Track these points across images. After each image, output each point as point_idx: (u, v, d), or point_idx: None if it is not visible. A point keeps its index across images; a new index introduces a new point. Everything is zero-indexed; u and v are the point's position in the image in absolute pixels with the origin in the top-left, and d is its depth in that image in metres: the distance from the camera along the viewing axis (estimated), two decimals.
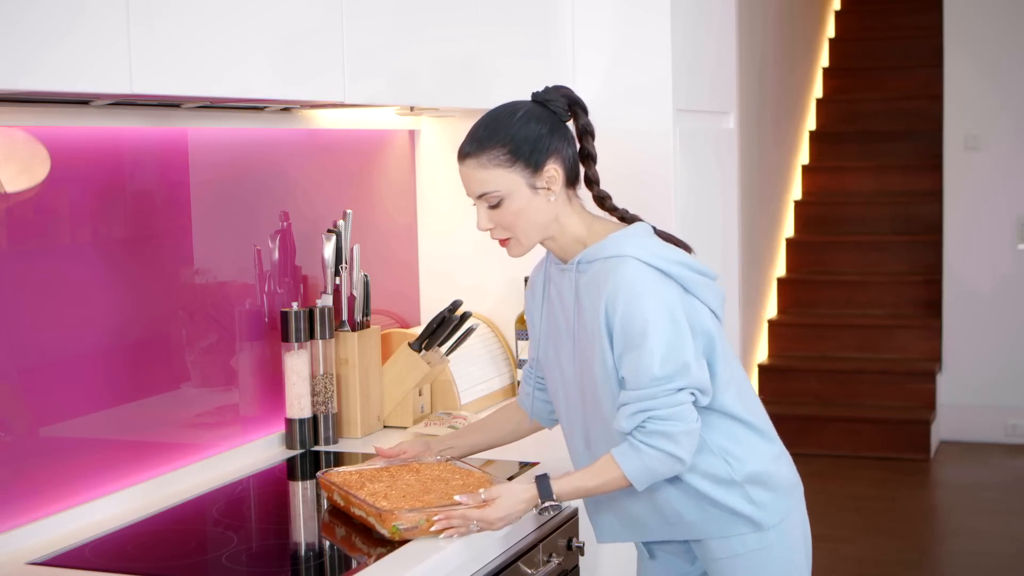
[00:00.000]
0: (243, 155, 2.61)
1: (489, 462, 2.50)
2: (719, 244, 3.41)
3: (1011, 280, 6.42)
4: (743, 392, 2.13)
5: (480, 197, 2.06)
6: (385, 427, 2.83)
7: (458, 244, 3.26)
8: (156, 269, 2.38)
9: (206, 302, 2.50)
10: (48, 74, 1.63)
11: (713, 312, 2.10)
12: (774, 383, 6.56)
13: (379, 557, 1.93)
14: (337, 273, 2.73)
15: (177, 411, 2.44)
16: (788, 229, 7.33)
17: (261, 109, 2.55)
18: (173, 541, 2.11)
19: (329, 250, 2.71)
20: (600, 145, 3.08)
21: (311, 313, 2.65)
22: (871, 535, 5.04)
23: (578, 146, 2.14)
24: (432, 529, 1.98)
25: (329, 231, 2.73)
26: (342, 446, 2.68)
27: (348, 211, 2.75)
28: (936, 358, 6.58)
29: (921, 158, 7.30)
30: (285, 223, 2.71)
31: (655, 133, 3.04)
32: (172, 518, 2.21)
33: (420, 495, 2.10)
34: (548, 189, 2.07)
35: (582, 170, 2.15)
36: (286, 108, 2.59)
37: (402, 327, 3.14)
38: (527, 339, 3.10)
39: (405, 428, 2.81)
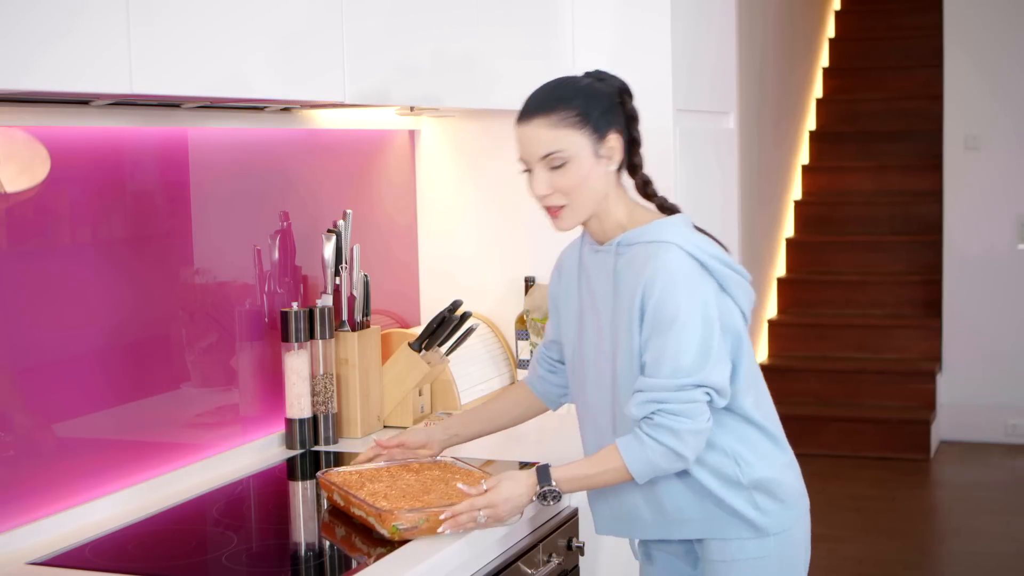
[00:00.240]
0: (243, 155, 2.61)
1: (489, 462, 2.50)
2: None
3: (1011, 280, 6.42)
4: (760, 397, 2.13)
5: (544, 158, 2.04)
6: (385, 427, 2.83)
7: (458, 244, 3.26)
8: (156, 269, 2.38)
9: (206, 302, 2.50)
10: (48, 74, 1.63)
11: (743, 313, 2.10)
12: (774, 383, 6.47)
13: (379, 557, 1.93)
14: (337, 273, 2.73)
15: (177, 411, 2.44)
16: (788, 229, 7.33)
17: (261, 109, 2.55)
18: (173, 541, 2.11)
19: (329, 250, 2.71)
20: None
21: (311, 313, 2.65)
22: (871, 535, 5.04)
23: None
24: (440, 530, 1.98)
25: (329, 231, 2.73)
26: (342, 446, 2.68)
27: (348, 211, 2.75)
28: (936, 358, 6.59)
29: (921, 158, 7.30)
30: (285, 223, 2.71)
31: (655, 133, 3.03)
32: (172, 518, 2.21)
33: (420, 495, 2.10)
34: (608, 159, 2.07)
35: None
36: (286, 108, 2.59)
37: (402, 327, 3.14)
38: (527, 339, 3.12)
39: (405, 428, 2.81)
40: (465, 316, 2.82)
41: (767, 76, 6.64)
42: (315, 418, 2.67)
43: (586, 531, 2.45)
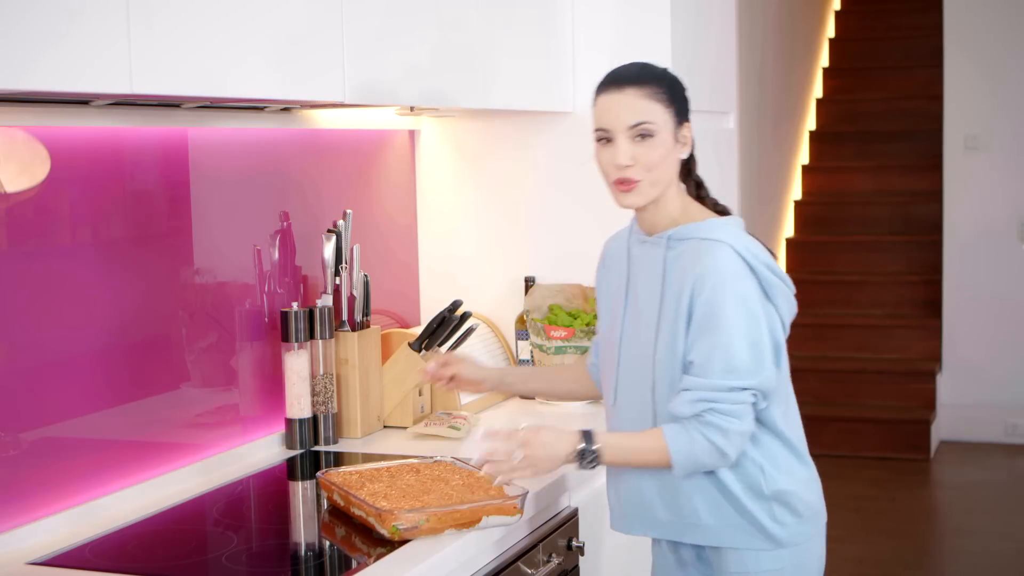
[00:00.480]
0: (243, 155, 2.61)
1: None
2: None
3: (1011, 280, 6.42)
4: (789, 411, 2.14)
5: (633, 127, 2.04)
6: (385, 427, 2.83)
7: (458, 244, 3.26)
8: (156, 269, 2.38)
9: (206, 302, 2.50)
10: (48, 74, 1.63)
11: (783, 323, 2.10)
12: None
13: (379, 557, 1.93)
14: (337, 273, 2.73)
15: (177, 411, 2.44)
16: (788, 229, 7.33)
17: (261, 109, 2.55)
18: (173, 541, 2.11)
19: (329, 250, 2.71)
20: None
21: (311, 313, 2.65)
22: (871, 535, 5.04)
23: None
24: (483, 472, 2.00)
25: (329, 231, 2.73)
26: (342, 446, 2.68)
27: (348, 211, 2.75)
28: (936, 358, 6.59)
29: (921, 158, 7.30)
30: (285, 223, 2.71)
31: None
32: (172, 518, 2.21)
33: (420, 495, 2.10)
34: (683, 145, 2.09)
35: None
36: (286, 108, 2.59)
37: (402, 327, 3.14)
38: (527, 339, 3.12)
39: (405, 428, 2.81)
40: (465, 316, 2.82)
41: (767, 76, 6.63)
42: (315, 418, 2.67)
43: (586, 531, 2.45)
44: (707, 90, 3.36)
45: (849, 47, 8.20)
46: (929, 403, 6.41)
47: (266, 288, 2.65)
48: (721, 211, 2.16)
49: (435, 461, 2.31)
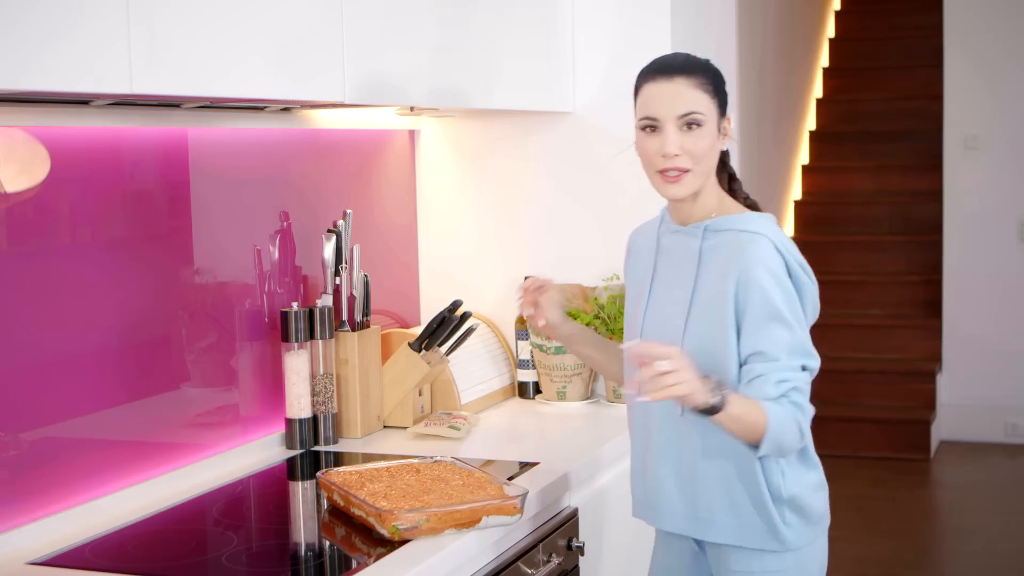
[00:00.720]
0: (243, 155, 2.61)
1: (489, 462, 2.50)
2: None
3: (1011, 280, 6.42)
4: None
5: (683, 116, 2.05)
6: (385, 427, 2.83)
7: (458, 244, 3.26)
8: (156, 269, 2.38)
9: (206, 302, 2.50)
10: (48, 74, 1.63)
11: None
12: None
13: (379, 557, 1.93)
14: (337, 273, 2.73)
15: (177, 411, 2.44)
16: (788, 229, 7.32)
17: (261, 109, 2.55)
18: (173, 541, 2.11)
19: (329, 250, 2.71)
20: (600, 144, 3.11)
21: (311, 313, 2.65)
22: (871, 535, 5.04)
23: None
24: (630, 347, 1.93)
25: (329, 231, 2.73)
26: (342, 446, 2.68)
27: (348, 211, 2.75)
28: (936, 358, 6.58)
29: (921, 158, 7.30)
30: (285, 223, 2.71)
31: None
32: (172, 518, 2.21)
33: (420, 495, 2.10)
34: (725, 136, 2.10)
35: None
36: (286, 108, 2.59)
37: (402, 327, 3.14)
38: (527, 339, 3.12)
39: (405, 428, 2.81)
40: (465, 316, 2.82)
41: (767, 76, 6.63)
42: (315, 418, 2.67)
43: (586, 531, 2.45)
44: None
45: (849, 47, 8.20)
46: (929, 403, 6.41)
47: (266, 288, 2.65)
48: (751, 205, 2.18)
49: (435, 461, 2.31)
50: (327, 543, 2.12)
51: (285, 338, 2.61)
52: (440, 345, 2.84)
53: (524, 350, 3.12)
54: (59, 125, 2.11)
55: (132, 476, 2.28)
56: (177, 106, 2.30)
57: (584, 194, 3.14)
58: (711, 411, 1.93)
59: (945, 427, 6.43)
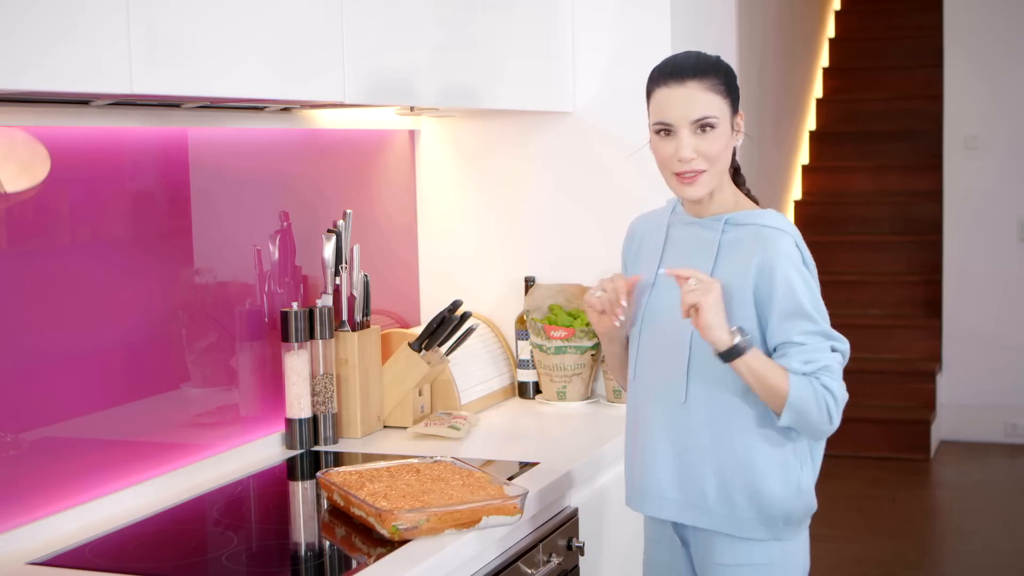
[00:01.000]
0: (243, 155, 2.61)
1: (489, 462, 2.50)
2: None
3: (1011, 280, 6.42)
4: None
5: (697, 121, 2.06)
6: (385, 427, 2.83)
7: (458, 244, 3.26)
8: (156, 269, 2.38)
9: (206, 302, 2.50)
10: (48, 74, 1.63)
11: None
12: None
13: (379, 557, 1.93)
14: (337, 273, 2.73)
15: (177, 411, 2.44)
16: None
17: (261, 109, 2.55)
18: (173, 541, 2.11)
19: (329, 250, 2.71)
20: (600, 144, 3.11)
21: (311, 313, 2.65)
22: (871, 535, 5.04)
23: None
24: (663, 271, 2.05)
25: (329, 231, 2.73)
26: (342, 446, 2.68)
27: (348, 211, 2.75)
28: (936, 358, 6.58)
29: (921, 158, 7.30)
30: (285, 223, 2.71)
31: None
32: (172, 518, 2.21)
33: (420, 495, 2.09)
34: (738, 133, 2.12)
35: None
36: (286, 108, 2.59)
37: (402, 327, 3.14)
38: (527, 339, 3.11)
39: (405, 428, 2.81)
40: (465, 316, 2.82)
41: (767, 76, 6.63)
42: (315, 418, 2.67)
43: (586, 531, 2.45)
44: None
45: (849, 47, 8.20)
46: (929, 403, 6.41)
47: (266, 288, 2.65)
48: (752, 199, 2.20)
49: (435, 461, 2.31)
50: (327, 543, 2.12)
51: (285, 338, 2.61)
52: (440, 345, 2.84)
53: (524, 350, 3.12)
54: (59, 125, 2.11)
55: (132, 476, 2.28)
56: (177, 106, 2.30)
57: (584, 194, 3.14)
58: (731, 353, 1.98)
59: (945, 427, 6.43)
